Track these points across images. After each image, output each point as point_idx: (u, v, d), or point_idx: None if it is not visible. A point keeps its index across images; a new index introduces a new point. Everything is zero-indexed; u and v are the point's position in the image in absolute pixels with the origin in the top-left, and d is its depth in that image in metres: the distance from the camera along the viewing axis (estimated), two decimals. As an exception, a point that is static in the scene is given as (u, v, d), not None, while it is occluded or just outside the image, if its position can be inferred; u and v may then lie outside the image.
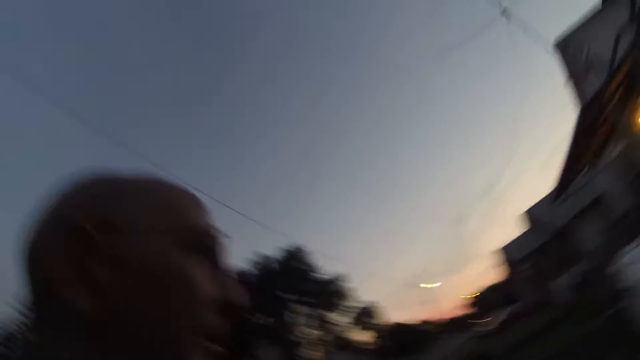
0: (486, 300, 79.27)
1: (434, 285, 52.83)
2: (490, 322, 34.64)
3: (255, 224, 41.46)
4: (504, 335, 19.84)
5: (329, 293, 51.20)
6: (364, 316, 72.35)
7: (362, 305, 69.58)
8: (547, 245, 21.95)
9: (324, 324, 51.62)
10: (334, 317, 52.75)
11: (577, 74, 11.17)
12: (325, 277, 51.03)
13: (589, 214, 12.11)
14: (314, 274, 49.98)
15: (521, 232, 29.30)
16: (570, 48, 10.75)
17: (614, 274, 5.75)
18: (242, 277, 46.44)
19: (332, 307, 51.93)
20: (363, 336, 69.04)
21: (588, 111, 7.39)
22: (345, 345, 64.73)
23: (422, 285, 65.18)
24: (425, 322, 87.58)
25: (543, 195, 22.86)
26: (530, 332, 14.97)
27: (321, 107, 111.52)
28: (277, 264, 49.03)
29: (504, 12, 10.34)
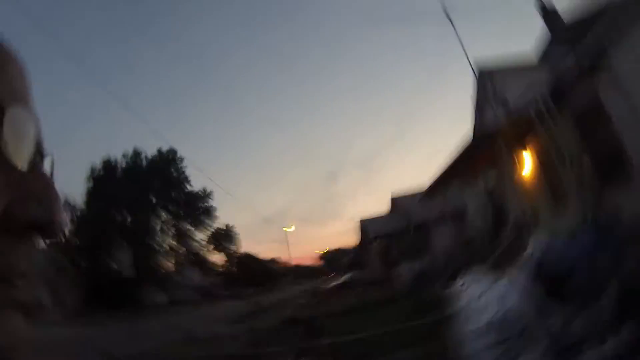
0: (334, 261, 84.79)
1: (290, 229, 53.76)
2: (332, 279, 37.39)
3: (132, 115, 39.63)
4: (337, 296, 21.12)
5: (195, 207, 49.84)
6: (221, 238, 72.53)
7: (222, 227, 69.85)
8: (402, 233, 23.14)
9: (183, 237, 50.76)
10: (194, 232, 52.06)
11: (480, 103, 12.10)
12: (195, 190, 49.43)
13: (447, 222, 13.42)
14: (184, 184, 48.28)
15: (383, 213, 31.26)
16: (484, 79, 11.60)
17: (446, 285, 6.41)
18: (109, 170, 43.41)
19: (195, 221, 50.82)
20: (215, 257, 69.43)
21: (476, 139, 8.25)
22: (197, 262, 64.64)
23: (280, 225, 66.94)
24: (274, 261, 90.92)
25: (412, 188, 24.00)
26: (362, 303, 15.45)
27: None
28: (149, 163, 46.43)
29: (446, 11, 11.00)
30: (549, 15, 12.78)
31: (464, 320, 2.86)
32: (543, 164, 9.07)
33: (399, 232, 23.24)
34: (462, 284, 2.88)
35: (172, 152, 46.85)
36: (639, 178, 6.79)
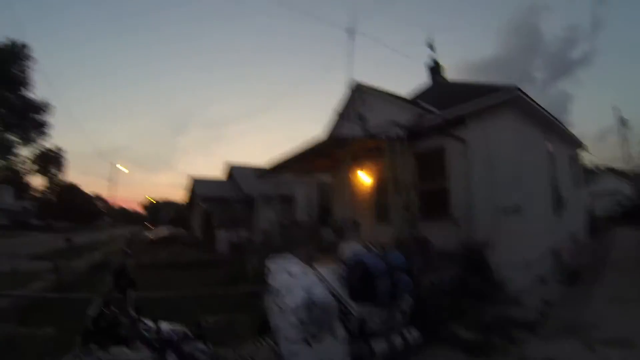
0: (158, 212, 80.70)
1: (124, 169, 47.99)
2: (154, 231, 35.72)
3: None
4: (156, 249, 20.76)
5: (28, 117, 41.27)
6: (48, 160, 63.02)
7: (52, 148, 60.53)
8: (230, 201, 23.49)
9: (5, 148, 41.82)
10: (19, 145, 43.21)
11: (344, 114, 12.98)
12: (34, 98, 41.24)
13: (276, 203, 13.96)
14: (24, 87, 39.67)
15: (217, 177, 31.31)
16: (356, 93, 12.48)
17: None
18: None
19: (24, 133, 42.16)
20: (35, 181, 60.15)
21: (328, 140, 8.76)
22: (14, 181, 54.74)
23: (114, 163, 60.94)
24: (99, 198, 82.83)
25: (252, 164, 24.69)
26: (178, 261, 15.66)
27: None
28: None
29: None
30: (435, 70, 14.76)
31: (274, 297, 2.82)
32: (378, 183, 10.27)
33: (228, 200, 23.44)
34: (277, 263, 2.97)
35: (21, 47, 38.41)
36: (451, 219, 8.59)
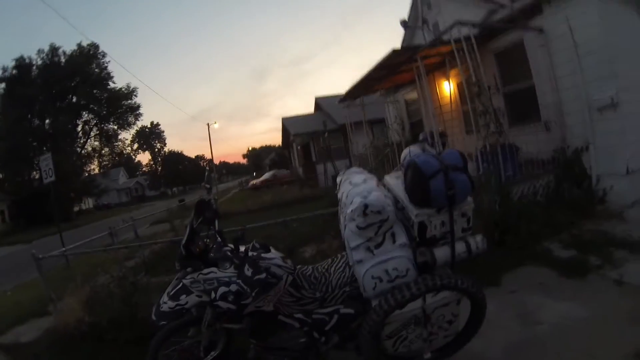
0: (258, 158, 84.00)
1: (215, 125, 51.45)
2: (258, 177, 37.78)
3: (47, 8, 33.57)
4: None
5: (119, 105, 45.24)
6: (146, 136, 67.75)
7: (147, 125, 64.55)
8: (323, 134, 22.88)
9: (107, 137, 46.54)
10: (117, 131, 47.76)
11: (412, 25, 12.23)
12: (118, 87, 45.05)
13: (367, 130, 13.58)
14: (107, 81, 43.39)
15: (306, 113, 31.40)
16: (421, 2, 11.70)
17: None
18: (24, 69, 37.88)
19: (119, 120, 46.43)
20: (140, 157, 65.65)
21: (400, 51, 8.12)
22: (122, 163, 60.08)
23: (206, 122, 64.04)
24: (199, 158, 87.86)
25: (338, 93, 24.21)
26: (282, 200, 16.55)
27: None
28: (68, 60, 40.56)
29: None
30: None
31: (340, 209, 2.91)
32: (461, 91, 9.51)
33: (321, 133, 23.20)
34: (342, 176, 2.91)
35: (93, 47, 41.77)
36: (541, 123, 7.75)
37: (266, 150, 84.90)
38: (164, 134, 70.05)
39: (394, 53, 7.69)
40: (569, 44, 6.99)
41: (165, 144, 71.86)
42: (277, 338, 2.75)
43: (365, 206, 2.36)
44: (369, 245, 2.46)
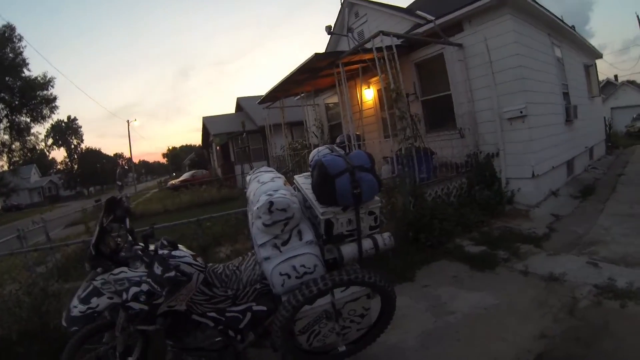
0: (178, 158, 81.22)
1: (135, 122, 47.96)
2: (177, 177, 36.40)
3: None
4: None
5: (33, 95, 40.47)
6: (61, 132, 62.83)
7: (63, 119, 59.51)
8: (239, 134, 22.91)
9: (18, 130, 41.46)
10: (31, 124, 42.69)
11: (338, 30, 12.39)
12: (33, 76, 40.32)
13: (285, 132, 13.58)
14: (21, 68, 38.59)
15: (227, 113, 30.64)
16: (346, 9, 11.87)
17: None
18: None
19: (32, 113, 41.49)
20: (55, 154, 60.41)
21: (317, 60, 8.10)
22: (36, 160, 54.58)
23: (128, 120, 61.02)
24: (118, 156, 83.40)
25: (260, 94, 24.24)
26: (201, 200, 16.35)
27: None
28: None
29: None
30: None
31: (249, 207, 2.91)
32: (381, 97, 9.78)
33: (239, 133, 22.80)
34: (252, 175, 2.95)
35: (9, 29, 37.14)
36: (456, 130, 8.08)
37: (186, 150, 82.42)
38: (82, 129, 65.37)
39: (316, 57, 7.77)
40: (485, 60, 7.51)
41: (82, 141, 67.05)
42: (193, 338, 2.73)
43: (271, 204, 2.39)
44: (276, 242, 2.48)
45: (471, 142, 7.88)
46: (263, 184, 2.66)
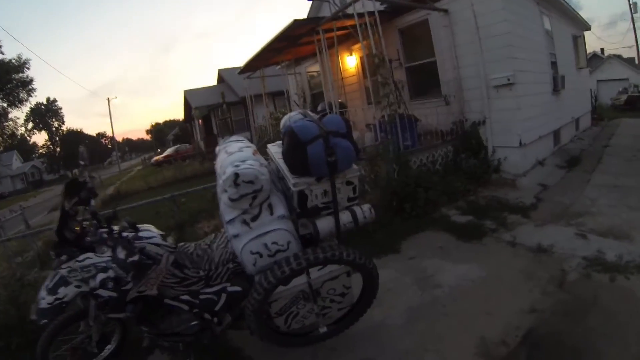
0: (161, 133, 79.83)
1: (116, 99, 46.60)
2: (162, 153, 35.88)
3: None
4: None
5: (8, 79, 39.14)
6: (41, 115, 60.71)
7: (43, 102, 57.29)
8: (219, 106, 22.46)
9: None
10: (8, 109, 42.28)
11: None
12: (7, 58, 39.03)
13: (267, 102, 13.31)
14: None
15: (209, 86, 30.05)
16: None
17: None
18: None
19: (8, 96, 40.52)
20: (35, 138, 58.44)
21: (296, 27, 7.88)
22: (17, 146, 52.65)
23: (110, 98, 59.20)
24: (103, 136, 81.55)
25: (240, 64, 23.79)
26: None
27: None
28: None
29: None
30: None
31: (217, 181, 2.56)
32: (364, 64, 9.40)
33: (219, 105, 22.32)
34: (221, 145, 2.70)
35: None
36: (442, 97, 7.83)
37: (170, 125, 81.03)
38: (62, 111, 63.49)
39: (295, 23, 7.47)
40: (471, 26, 7.19)
41: (63, 122, 65.35)
42: (168, 323, 2.56)
43: (236, 175, 2.15)
44: (245, 218, 2.27)
45: (457, 110, 7.65)
46: (230, 155, 2.41)
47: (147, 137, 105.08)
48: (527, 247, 4.25)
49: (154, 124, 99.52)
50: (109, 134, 75.88)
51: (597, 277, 3.46)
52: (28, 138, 60.11)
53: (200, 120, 26.88)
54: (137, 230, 2.51)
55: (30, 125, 58.80)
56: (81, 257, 2.34)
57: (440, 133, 7.39)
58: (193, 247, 2.71)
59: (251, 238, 2.23)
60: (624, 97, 24.87)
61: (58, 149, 66.37)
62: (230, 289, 2.55)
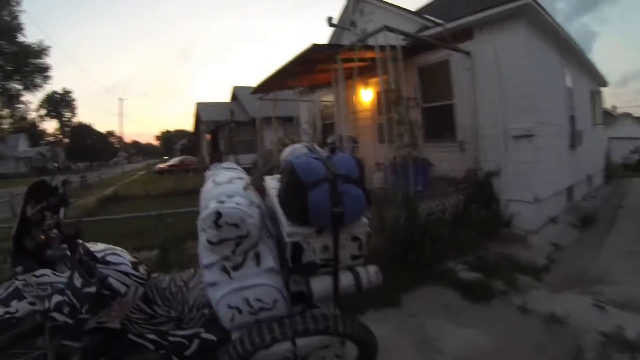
0: (170, 142, 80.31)
1: (133, 103, 47.03)
2: (166, 162, 35.89)
3: None
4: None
5: (27, 62, 38.72)
6: (55, 103, 61.40)
7: (57, 90, 57.96)
8: (227, 124, 22.24)
9: (9, 97, 40.25)
10: (22, 92, 41.39)
11: (338, 24, 12.02)
12: (29, 42, 38.67)
13: (276, 126, 13.14)
14: (17, 33, 36.95)
15: (222, 101, 30.20)
16: (351, 3, 11.30)
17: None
18: None
19: (25, 80, 39.85)
20: (46, 125, 58.98)
21: (314, 51, 7.87)
22: (24, 129, 53.13)
23: (123, 98, 59.86)
24: (110, 134, 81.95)
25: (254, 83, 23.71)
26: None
27: None
28: None
29: None
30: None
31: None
32: (379, 100, 9.28)
33: (227, 122, 22.21)
34: (210, 171, 2.36)
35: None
36: (457, 142, 7.66)
37: (179, 134, 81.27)
38: (75, 103, 63.68)
39: (315, 47, 7.24)
40: (494, 72, 7.02)
41: (74, 114, 65.45)
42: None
43: (218, 215, 1.79)
44: (225, 264, 1.89)
45: (471, 157, 7.37)
46: (217, 186, 2.07)
47: (156, 142, 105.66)
48: (540, 315, 3.86)
49: (164, 131, 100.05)
50: (119, 133, 76.03)
51: (617, 358, 3.09)
52: (37, 125, 59.98)
53: (208, 135, 26.81)
54: (96, 260, 2.16)
55: (43, 111, 58.82)
56: (38, 272, 2.01)
57: (453, 180, 7.11)
58: (167, 282, 2.38)
59: (230, 290, 1.87)
60: (635, 157, 25.30)
61: (67, 140, 66.30)
62: (205, 335, 2.20)
